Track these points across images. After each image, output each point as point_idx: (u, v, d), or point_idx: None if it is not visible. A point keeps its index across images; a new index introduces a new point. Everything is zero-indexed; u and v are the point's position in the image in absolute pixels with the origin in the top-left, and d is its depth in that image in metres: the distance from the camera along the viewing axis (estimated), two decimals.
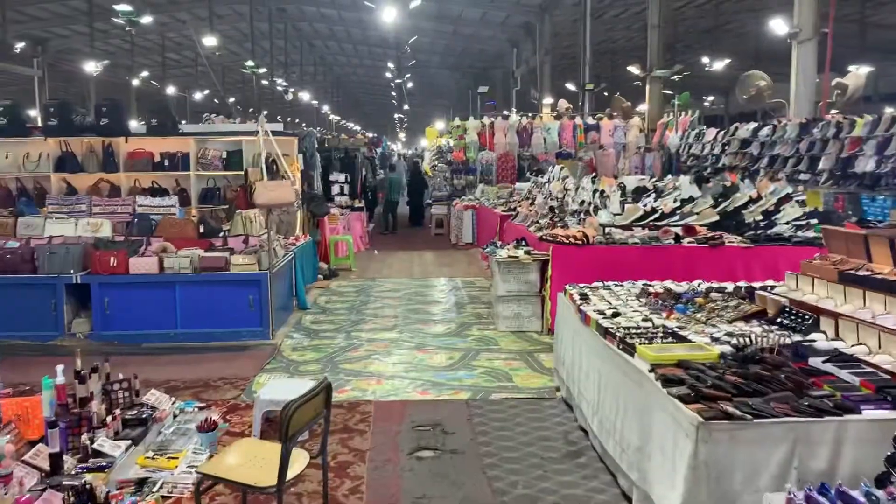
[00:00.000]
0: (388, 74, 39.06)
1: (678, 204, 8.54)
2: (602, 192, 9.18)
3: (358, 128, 58.85)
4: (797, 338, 3.99)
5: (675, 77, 21.69)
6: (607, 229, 8.18)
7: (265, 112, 8.19)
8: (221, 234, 8.58)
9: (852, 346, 3.80)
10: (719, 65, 29.57)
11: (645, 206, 8.49)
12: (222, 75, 42.45)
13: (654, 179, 10.37)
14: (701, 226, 8.15)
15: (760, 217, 8.43)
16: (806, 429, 3.02)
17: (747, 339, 3.84)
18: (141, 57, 36.25)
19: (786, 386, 3.27)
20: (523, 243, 8.44)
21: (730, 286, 5.63)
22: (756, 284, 5.44)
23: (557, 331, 5.87)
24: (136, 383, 4.74)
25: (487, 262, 9.98)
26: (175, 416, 4.79)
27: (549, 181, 13.10)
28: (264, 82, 37.78)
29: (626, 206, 8.52)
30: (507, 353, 7.00)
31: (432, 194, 21.26)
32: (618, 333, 4.22)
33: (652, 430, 3.46)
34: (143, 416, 4.49)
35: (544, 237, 8.04)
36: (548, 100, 27.55)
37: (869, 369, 3.49)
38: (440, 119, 43.03)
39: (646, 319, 4.51)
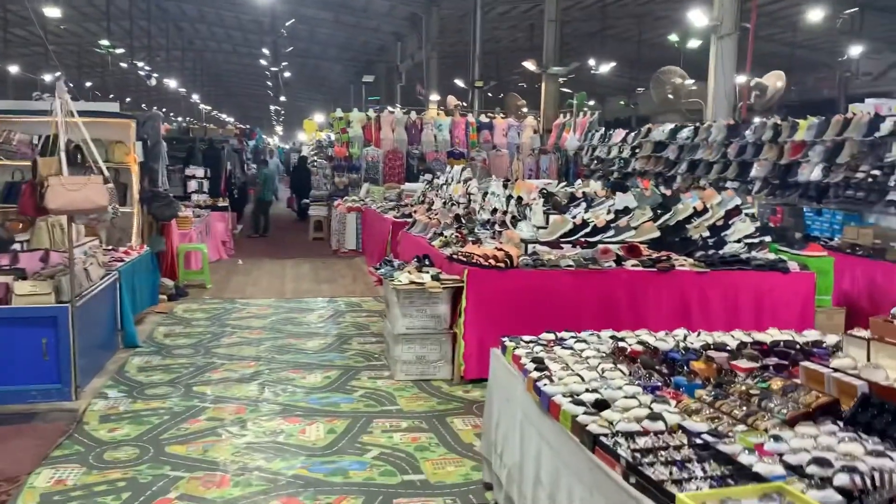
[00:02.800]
0: (264, 62, 36.23)
1: (612, 216, 6.99)
2: (519, 199, 7.50)
3: (231, 119, 55.14)
4: None
5: (568, 77, 20.63)
6: (531, 247, 6.50)
7: (60, 75, 6.03)
8: (14, 247, 6.25)
9: None
10: (605, 68, 29.13)
11: (574, 217, 6.88)
12: (78, 56, 38.22)
13: (580, 187, 8.83)
14: (640, 243, 6.64)
15: (707, 233, 7.03)
16: None
17: (864, 479, 2.19)
18: None
19: None
20: (426, 262, 6.62)
21: (729, 339, 4.04)
22: (772, 335, 3.88)
23: (489, 400, 4.07)
24: None
25: (377, 279, 8.11)
26: None
27: (448, 183, 11.38)
28: (123, 65, 34.09)
29: (552, 217, 6.88)
30: (410, 417, 5.14)
31: (311, 194, 19.08)
32: (622, 453, 2.47)
33: None
34: None
35: (456, 256, 6.24)
36: (434, 96, 25.99)
37: None
38: (320, 112, 40.66)
39: (651, 415, 2.79)
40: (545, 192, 7.26)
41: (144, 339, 7.04)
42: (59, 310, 5.24)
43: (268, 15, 29.64)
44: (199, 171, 14.31)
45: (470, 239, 7.05)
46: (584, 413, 2.85)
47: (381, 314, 8.14)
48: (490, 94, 29.31)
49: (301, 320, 8.07)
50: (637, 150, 12.50)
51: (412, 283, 5.88)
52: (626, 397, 3.02)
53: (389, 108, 19.08)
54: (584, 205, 7.16)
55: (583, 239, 6.71)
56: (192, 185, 14.03)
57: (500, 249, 6.19)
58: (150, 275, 8.14)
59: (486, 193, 8.72)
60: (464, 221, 7.98)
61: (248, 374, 6.06)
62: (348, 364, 6.42)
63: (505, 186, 8.33)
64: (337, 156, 17.96)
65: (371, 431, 4.87)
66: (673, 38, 25.26)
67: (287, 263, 12.45)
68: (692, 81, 13.85)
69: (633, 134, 12.99)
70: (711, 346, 3.84)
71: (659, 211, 7.12)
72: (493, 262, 5.89)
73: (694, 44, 24.46)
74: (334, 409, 5.27)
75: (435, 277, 5.92)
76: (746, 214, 7.26)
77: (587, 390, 3.08)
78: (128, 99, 41.46)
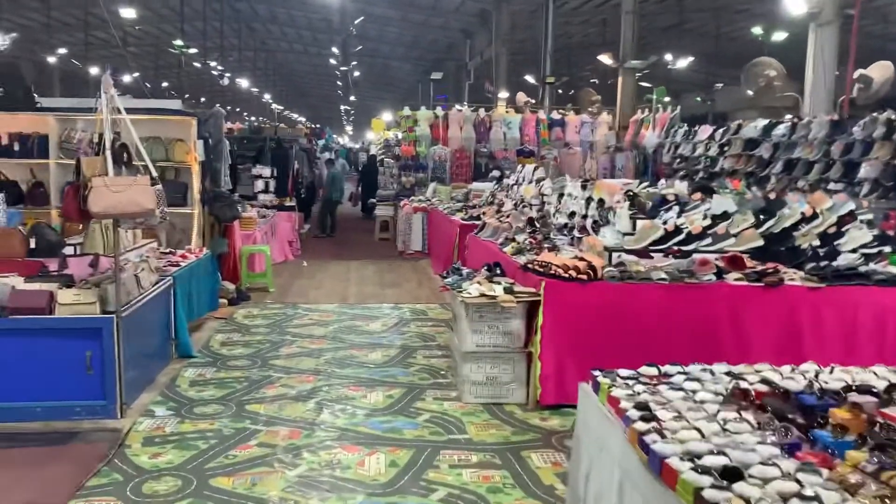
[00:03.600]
0: (333, 62, 36.27)
1: (709, 222, 6.24)
2: (601, 201, 6.82)
3: (302, 119, 55.67)
4: None
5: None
6: (616, 256, 5.83)
7: (109, 69, 5.75)
8: (67, 250, 5.95)
9: None
10: (682, 63, 27.94)
11: (665, 223, 6.15)
12: (155, 58, 39.12)
13: (665, 188, 8.09)
14: (741, 252, 5.88)
15: (817, 242, 6.21)
16: None
17: None
18: (63, 34, 32.80)
19: None
20: (498, 272, 6.03)
21: (872, 377, 3.32)
22: None
23: (576, 444, 3.46)
24: None
25: (443, 287, 7.59)
26: None
27: (518, 183, 10.76)
28: (196, 65, 34.68)
29: (639, 222, 6.17)
30: (481, 450, 4.56)
31: (377, 193, 18.72)
32: None
33: None
34: None
35: (532, 266, 5.62)
36: (503, 94, 25.34)
37: None
38: (388, 111, 40.59)
39: (803, 497, 2.14)
40: (631, 193, 6.55)
41: (200, 349, 6.68)
42: (104, 321, 4.87)
43: (337, 14, 29.56)
44: (266, 171, 14.04)
45: (546, 246, 6.42)
46: (712, 486, 2.22)
47: (447, 324, 7.60)
48: (560, 91, 28.50)
49: (364, 329, 7.59)
50: (726, 148, 11.58)
51: (483, 295, 5.29)
52: (762, 463, 2.36)
53: (458, 106, 18.56)
54: (676, 208, 6.42)
55: (675, 248, 5.98)
56: (259, 184, 13.78)
57: (582, 259, 5.55)
58: (210, 279, 7.80)
59: (561, 195, 8.07)
60: (538, 226, 7.35)
61: (306, 391, 5.59)
62: (412, 381, 5.88)
63: (584, 187, 7.65)
64: (404, 155, 17.56)
65: (437, 466, 4.31)
66: (756, 30, 23.97)
67: (352, 265, 12.05)
68: (783, 73, 12.82)
69: (720, 130, 12.05)
70: (853, 388, 3.13)
71: (762, 216, 6.33)
72: (573, 273, 5.25)
73: (779, 36, 23.13)
74: (397, 437, 4.73)
75: (508, 290, 5.31)
76: (862, 221, 6.40)
77: (711, 452, 2.44)
78: (202, 99, 42.15)
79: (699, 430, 2.61)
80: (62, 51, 32.68)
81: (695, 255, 5.81)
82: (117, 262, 4.86)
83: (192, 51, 29.85)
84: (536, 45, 27.70)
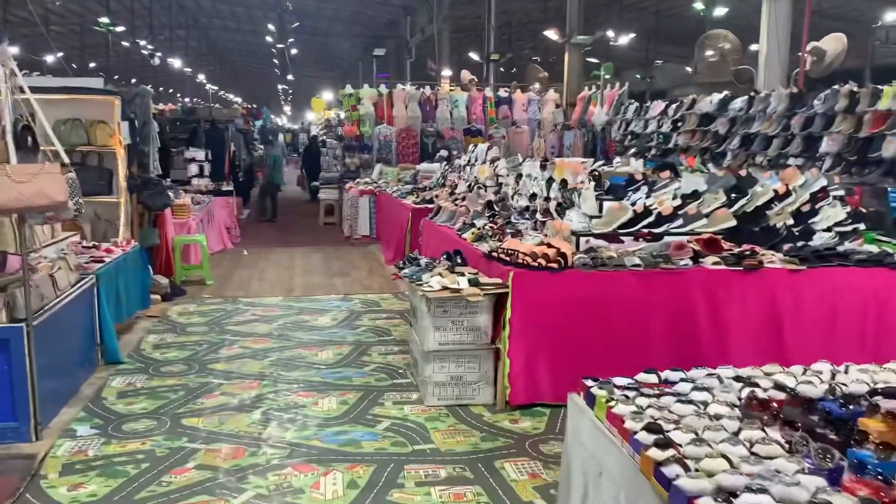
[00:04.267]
0: (269, 38, 35.02)
1: (679, 202, 5.88)
2: (564, 182, 6.40)
3: (239, 100, 53.90)
4: None
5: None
6: (584, 241, 5.42)
7: (4, 38, 5.06)
8: None
9: None
10: (624, 40, 27.84)
11: (633, 204, 5.77)
12: (81, 37, 37.12)
13: (621, 165, 7.74)
14: (714, 234, 5.55)
15: (791, 221, 5.92)
16: None
17: None
18: None
19: None
20: (458, 261, 5.55)
21: (892, 376, 2.98)
22: None
23: (566, 463, 3.02)
24: None
25: (397, 277, 7.09)
26: None
27: (471, 164, 10.29)
28: (125, 44, 33.03)
29: (606, 204, 5.78)
30: (450, 461, 4.10)
31: (321, 176, 18.01)
32: None
33: None
34: None
35: (497, 255, 5.16)
36: (446, 72, 24.77)
37: None
38: (328, 91, 39.51)
39: None
40: (597, 173, 6.14)
41: (130, 353, 6.03)
42: (12, 331, 4.21)
43: None
44: (200, 154, 13.23)
45: (508, 231, 5.97)
46: None
47: (402, 316, 7.11)
48: (503, 70, 28.11)
49: (312, 324, 7.03)
50: (680, 124, 11.32)
51: (445, 288, 4.82)
52: (812, 502, 1.96)
53: (401, 85, 17.95)
54: (644, 188, 6.05)
55: (646, 230, 5.61)
56: (193, 168, 12.97)
57: (549, 245, 5.11)
58: (140, 273, 7.11)
59: (519, 175, 7.63)
60: (497, 209, 6.90)
61: (250, 400, 5.03)
62: (368, 383, 5.38)
63: (543, 167, 7.23)
64: (347, 135, 16.89)
65: (402, 484, 3.84)
66: (698, 5, 23.91)
67: (296, 253, 11.42)
68: (738, 45, 12.60)
69: (674, 106, 11.78)
70: (879, 391, 2.77)
71: (733, 195, 6.01)
72: (543, 261, 4.82)
73: (720, 11, 23.13)
74: (355, 451, 4.23)
75: (473, 282, 4.85)
76: (835, 197, 6.15)
77: (749, 488, 2.01)
78: (133, 80, 40.28)
79: (726, 458, 2.19)
80: None
81: (667, 238, 5.46)
82: (25, 264, 4.20)
83: (120, 29, 28.35)
84: (477, 22, 27.14)
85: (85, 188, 7.42)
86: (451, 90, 17.83)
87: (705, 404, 2.65)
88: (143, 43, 31.53)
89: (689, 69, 30.63)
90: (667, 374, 2.99)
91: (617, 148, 13.44)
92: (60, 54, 35.41)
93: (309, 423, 4.63)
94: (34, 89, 7.19)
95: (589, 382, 2.91)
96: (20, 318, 4.28)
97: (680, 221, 5.71)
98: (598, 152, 14.86)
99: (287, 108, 60.81)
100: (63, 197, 4.03)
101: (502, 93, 18.34)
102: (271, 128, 28.28)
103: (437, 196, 9.32)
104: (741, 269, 5.01)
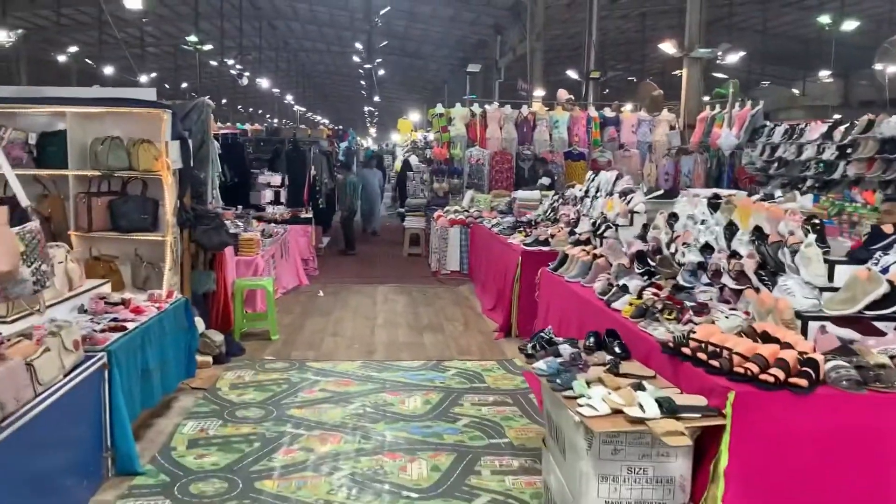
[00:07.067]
0: (357, 59, 34.24)
1: None
2: (758, 230, 4.47)
3: (326, 121, 53.70)
4: None
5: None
6: (820, 328, 3.51)
7: None
8: None
9: None
10: (733, 58, 25.50)
11: (886, 272, 3.81)
12: (174, 58, 37.41)
13: (784, 200, 5.75)
14: None
15: None
16: None
17: None
18: (78, 33, 31.21)
19: None
20: (617, 349, 3.72)
21: None
22: None
23: None
24: None
25: (532, 380, 5.18)
26: None
27: (592, 195, 8.43)
28: (213, 63, 32.88)
29: (841, 268, 3.84)
30: None
31: (406, 202, 16.47)
32: None
33: None
34: None
35: (694, 353, 3.31)
36: (539, 92, 23.05)
37: None
38: (414, 111, 38.39)
39: None
40: (816, 223, 4.19)
41: (154, 456, 4.44)
42: None
43: (361, 11, 27.56)
44: (276, 179, 11.86)
45: (688, 305, 4.09)
46: None
47: (515, 401, 5.31)
48: (607, 91, 26.40)
49: (397, 412, 5.30)
50: (849, 150, 9.17)
51: (618, 412, 3.00)
52: None
53: (497, 103, 16.31)
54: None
55: None
56: (268, 194, 11.61)
57: (770, 336, 3.24)
58: (184, 335, 5.55)
59: (672, 216, 5.73)
60: (654, 265, 5.02)
61: None
62: None
63: (713, 207, 5.31)
64: (436, 158, 15.34)
65: None
66: (823, 20, 21.46)
67: (378, 293, 9.84)
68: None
69: (842, 128, 9.61)
70: None
71: None
72: (780, 374, 2.94)
73: (850, 25, 20.60)
74: None
75: (668, 406, 3.00)
76: None
77: None
78: (224, 101, 40.34)
79: None
80: (73, 49, 31.01)
81: None
82: None
83: (208, 47, 28.02)
84: (570, 41, 25.28)
85: (123, 223, 6.05)
86: (549, 110, 16.08)
87: None
88: (231, 62, 31.25)
89: (795, 91, 28.09)
90: None
91: (758, 178, 11.31)
92: (154, 74, 35.67)
93: None
94: (64, 100, 5.92)
95: None
96: None
97: None
98: (727, 181, 12.83)
99: (372, 130, 60.42)
100: (6, 265, 2.44)
101: (608, 112, 16.45)
102: (356, 149, 27.10)
103: (552, 236, 7.52)
104: None
